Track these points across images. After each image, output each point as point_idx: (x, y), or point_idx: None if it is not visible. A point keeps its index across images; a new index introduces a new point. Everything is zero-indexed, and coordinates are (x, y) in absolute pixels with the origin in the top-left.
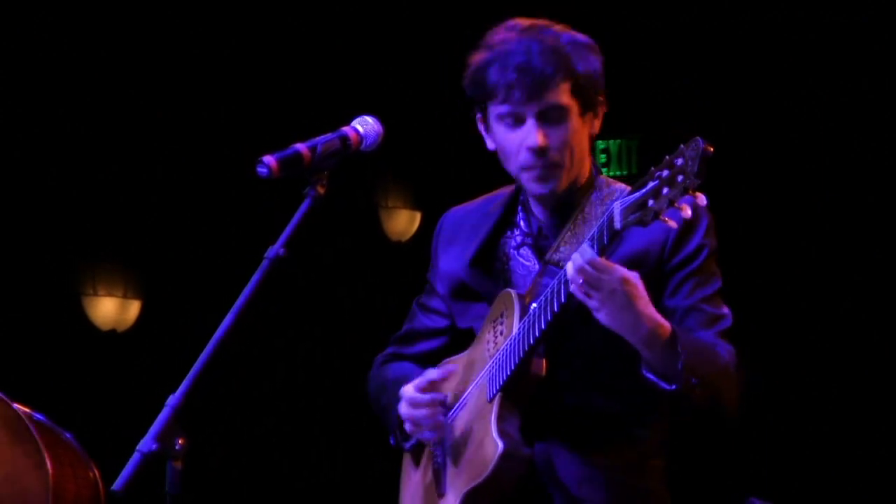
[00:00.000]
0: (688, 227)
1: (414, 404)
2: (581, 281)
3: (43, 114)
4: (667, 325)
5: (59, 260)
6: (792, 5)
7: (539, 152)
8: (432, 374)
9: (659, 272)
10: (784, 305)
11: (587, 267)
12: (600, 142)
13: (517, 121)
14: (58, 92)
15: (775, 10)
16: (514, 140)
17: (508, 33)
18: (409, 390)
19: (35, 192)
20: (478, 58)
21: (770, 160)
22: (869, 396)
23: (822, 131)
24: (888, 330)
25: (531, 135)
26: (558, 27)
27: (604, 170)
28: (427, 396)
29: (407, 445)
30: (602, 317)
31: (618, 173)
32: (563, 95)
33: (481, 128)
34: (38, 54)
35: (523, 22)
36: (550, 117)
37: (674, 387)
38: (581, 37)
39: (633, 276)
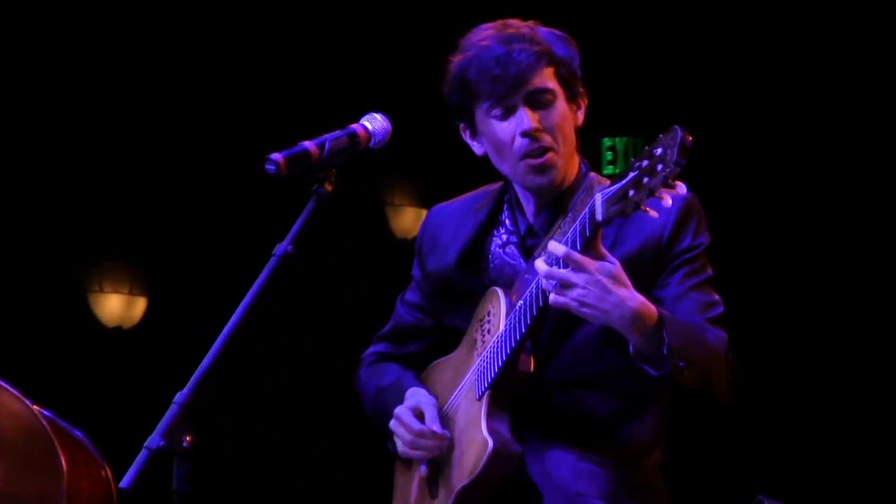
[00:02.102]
0: (684, 223)
1: (420, 434)
2: (554, 284)
3: (48, 112)
4: (653, 309)
5: (65, 256)
6: (794, 5)
7: (534, 135)
8: (430, 412)
9: (656, 268)
10: (790, 304)
11: (555, 271)
12: (606, 139)
13: (507, 111)
14: (64, 90)
15: (779, 10)
16: (507, 130)
17: (482, 33)
18: (406, 414)
19: (41, 189)
20: (455, 63)
21: (774, 158)
22: (877, 394)
23: (826, 131)
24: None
25: (523, 119)
26: (531, 22)
27: (609, 167)
28: (429, 429)
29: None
30: (584, 313)
31: None
32: (549, 80)
33: (466, 136)
34: (42, 54)
35: (496, 23)
36: (539, 102)
37: (661, 372)
38: (554, 30)
39: (606, 265)
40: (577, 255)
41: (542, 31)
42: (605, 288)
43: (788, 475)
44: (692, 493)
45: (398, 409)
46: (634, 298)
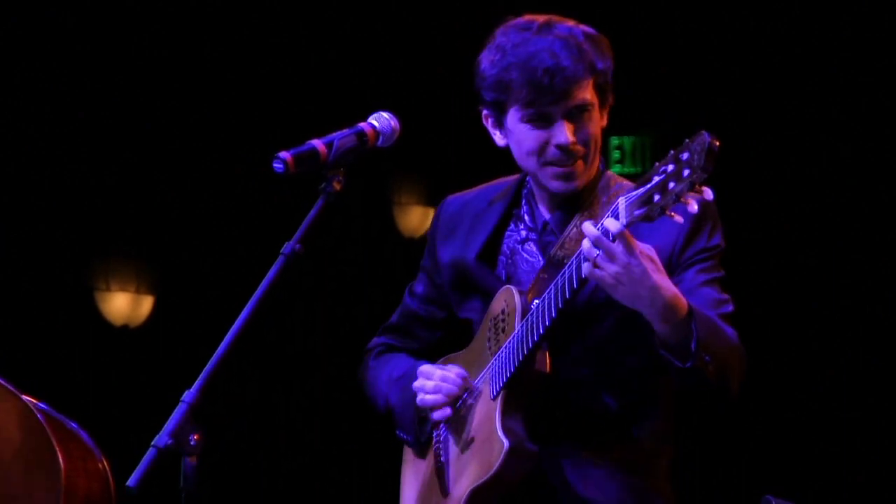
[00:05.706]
0: (698, 227)
1: (442, 378)
2: (597, 254)
3: (56, 110)
4: (685, 301)
5: (72, 255)
6: (801, 5)
7: (569, 150)
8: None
9: (668, 270)
10: (798, 304)
11: (603, 238)
12: (614, 138)
13: (543, 120)
14: (74, 88)
15: (787, 10)
16: (540, 138)
17: (523, 33)
18: (428, 367)
19: (48, 187)
20: (494, 60)
21: (781, 159)
22: (884, 394)
23: (834, 131)
24: None
25: (561, 133)
26: (570, 22)
27: (617, 166)
28: (452, 372)
29: (423, 437)
30: (619, 292)
31: (631, 170)
32: (588, 92)
33: (488, 124)
34: (53, 53)
35: (537, 19)
36: (576, 115)
37: (688, 364)
38: (593, 31)
39: (649, 248)
40: (629, 235)
41: (583, 37)
42: (645, 272)
43: (795, 474)
44: (699, 493)
45: (421, 367)
46: (669, 288)
